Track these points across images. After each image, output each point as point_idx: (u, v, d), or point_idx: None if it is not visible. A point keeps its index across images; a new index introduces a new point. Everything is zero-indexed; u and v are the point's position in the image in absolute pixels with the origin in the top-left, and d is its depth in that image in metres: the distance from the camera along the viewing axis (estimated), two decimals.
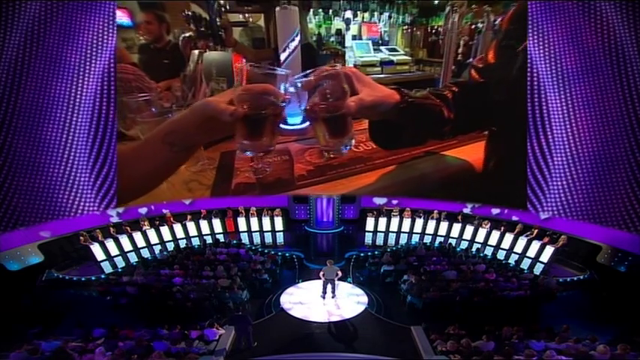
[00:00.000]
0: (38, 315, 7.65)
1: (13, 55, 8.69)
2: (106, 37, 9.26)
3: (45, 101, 9.04)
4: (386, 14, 8.77)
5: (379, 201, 11.69)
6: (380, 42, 9.09)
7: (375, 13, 8.72)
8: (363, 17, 8.66)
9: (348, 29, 8.58)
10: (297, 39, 6.90)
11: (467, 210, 11.13)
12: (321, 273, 8.39)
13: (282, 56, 6.84)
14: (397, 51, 9.13)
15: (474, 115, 5.16)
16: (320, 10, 8.03)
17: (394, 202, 11.44)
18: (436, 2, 8.43)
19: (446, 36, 8.37)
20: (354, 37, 8.78)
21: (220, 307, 8.06)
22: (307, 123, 8.31)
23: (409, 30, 9.01)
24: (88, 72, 9.28)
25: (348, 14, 8.43)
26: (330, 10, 8.24)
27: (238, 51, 7.57)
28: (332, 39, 8.44)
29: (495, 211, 10.83)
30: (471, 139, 6.63)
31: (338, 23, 8.38)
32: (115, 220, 10.24)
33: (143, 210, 10.61)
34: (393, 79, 8.58)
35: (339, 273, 8.42)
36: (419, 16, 8.87)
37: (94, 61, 9.28)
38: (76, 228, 9.58)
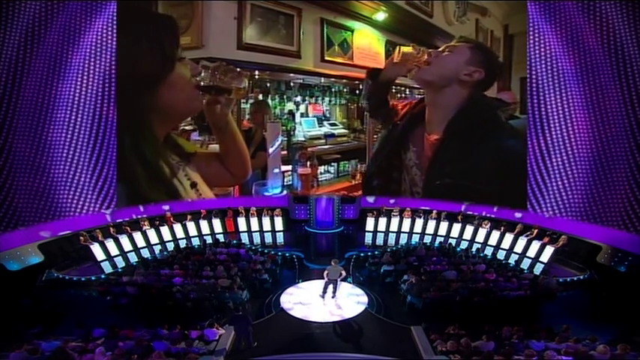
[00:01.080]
0: (38, 315, 7.62)
1: (14, 55, 8.69)
2: (107, 37, 9.25)
3: (46, 101, 9.05)
4: (327, 98, 11.13)
5: (370, 199, 11.64)
6: (323, 118, 11.09)
7: (319, 98, 10.96)
8: (309, 100, 10.77)
9: (297, 109, 10.62)
10: (280, 139, 9.28)
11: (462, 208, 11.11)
12: (325, 272, 8.36)
13: (270, 150, 9.06)
14: (337, 125, 11.14)
15: None
16: (276, 95, 10.13)
17: (391, 201, 11.44)
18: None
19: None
20: (302, 115, 10.65)
21: (220, 307, 8.06)
22: (285, 191, 9.60)
23: (346, 105, 11.51)
24: (88, 71, 9.29)
25: (298, 99, 10.56)
26: (284, 96, 10.29)
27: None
28: (285, 117, 10.27)
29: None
30: None
31: (290, 105, 10.41)
32: (109, 219, 10.15)
33: (141, 208, 10.59)
34: (334, 149, 10.71)
35: (343, 273, 8.39)
36: (351, 95, 11.24)
37: (94, 61, 9.28)
38: (76, 228, 9.58)
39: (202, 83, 5.29)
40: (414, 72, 6.92)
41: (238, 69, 5.57)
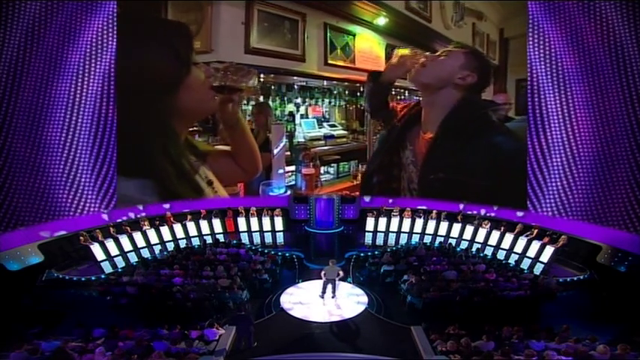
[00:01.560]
0: (38, 315, 7.64)
1: (14, 56, 8.69)
2: (106, 37, 9.25)
3: (45, 101, 9.04)
4: (327, 100, 11.27)
5: (367, 198, 11.65)
6: (322, 119, 11.28)
7: (319, 100, 11.12)
8: (309, 102, 10.96)
9: (298, 111, 10.92)
10: (284, 140, 9.68)
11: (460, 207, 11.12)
12: (323, 272, 8.39)
13: (275, 151, 9.39)
14: (336, 126, 11.31)
15: None
16: (277, 97, 10.32)
17: (390, 201, 11.44)
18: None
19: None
20: (302, 117, 10.84)
21: (220, 307, 8.07)
22: (289, 192, 9.91)
23: (345, 106, 11.67)
24: (88, 72, 9.28)
25: (298, 100, 10.74)
26: (285, 98, 10.49)
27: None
28: (285, 118, 10.44)
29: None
30: None
31: (290, 107, 10.61)
32: (106, 218, 10.14)
33: (140, 207, 10.59)
34: (334, 150, 10.78)
35: (341, 273, 8.42)
36: (351, 96, 11.38)
37: (95, 62, 9.28)
38: (75, 228, 9.58)
39: (216, 84, 5.54)
40: (412, 73, 7.15)
41: (247, 67, 5.82)
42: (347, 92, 11.48)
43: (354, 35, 10.16)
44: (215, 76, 5.66)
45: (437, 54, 7.04)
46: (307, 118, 10.97)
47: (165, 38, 5.35)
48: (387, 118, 7.91)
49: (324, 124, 11.21)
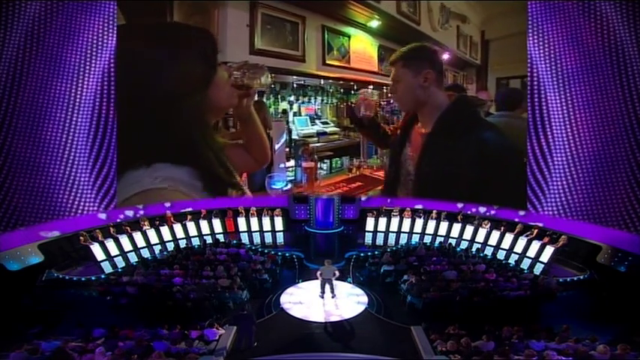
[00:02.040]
0: (38, 315, 7.64)
1: (14, 55, 8.69)
2: (105, 37, 9.26)
3: (45, 101, 9.04)
4: (319, 98, 11.59)
5: (363, 197, 11.73)
6: (315, 117, 11.56)
7: (311, 98, 11.48)
8: (302, 100, 11.32)
9: (291, 109, 11.04)
10: (285, 136, 9.93)
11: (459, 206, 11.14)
12: (318, 272, 8.44)
13: (276, 147, 9.52)
14: (328, 123, 11.61)
15: None
16: (271, 95, 10.68)
17: (388, 200, 11.46)
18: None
19: None
20: (295, 114, 11.14)
21: (220, 307, 8.07)
22: (290, 186, 9.95)
23: (336, 104, 11.94)
24: (88, 72, 9.29)
25: (292, 98, 11.02)
26: (279, 95, 10.82)
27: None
28: (279, 116, 10.72)
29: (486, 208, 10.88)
30: None
31: (283, 104, 10.91)
32: (104, 217, 10.09)
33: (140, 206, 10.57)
34: (327, 146, 11.03)
35: (337, 273, 8.44)
36: (342, 94, 11.81)
37: (94, 61, 9.29)
38: (75, 228, 9.58)
39: (237, 81, 6.01)
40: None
41: (259, 65, 6.26)
42: (340, 90, 11.94)
43: (349, 37, 10.65)
44: (235, 74, 6.13)
45: (390, 79, 7.36)
46: (300, 115, 11.30)
47: (195, 43, 5.80)
48: (389, 141, 8.32)
49: (317, 121, 11.55)
